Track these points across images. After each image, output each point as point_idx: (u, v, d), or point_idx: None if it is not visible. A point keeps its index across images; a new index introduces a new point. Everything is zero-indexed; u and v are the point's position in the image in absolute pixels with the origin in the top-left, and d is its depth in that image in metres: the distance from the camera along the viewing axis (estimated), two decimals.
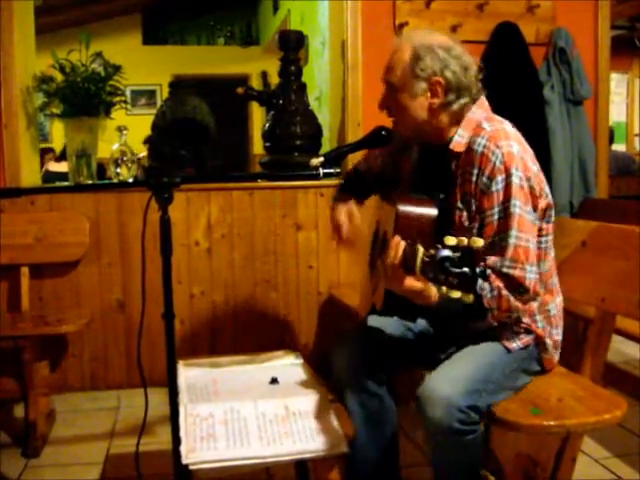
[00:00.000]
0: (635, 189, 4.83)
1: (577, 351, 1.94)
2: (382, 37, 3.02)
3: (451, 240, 1.20)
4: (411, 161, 1.80)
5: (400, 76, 1.60)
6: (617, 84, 8.72)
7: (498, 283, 1.45)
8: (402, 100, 1.62)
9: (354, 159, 2.12)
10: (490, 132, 1.56)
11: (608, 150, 3.63)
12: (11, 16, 2.81)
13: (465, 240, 1.18)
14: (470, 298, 1.17)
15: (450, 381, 1.49)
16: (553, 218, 1.64)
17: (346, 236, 1.88)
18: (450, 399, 1.44)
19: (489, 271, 1.43)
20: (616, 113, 8.62)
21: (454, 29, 3.18)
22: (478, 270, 1.17)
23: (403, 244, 1.39)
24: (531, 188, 1.54)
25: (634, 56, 8.81)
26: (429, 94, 1.59)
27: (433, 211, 1.61)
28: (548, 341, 1.65)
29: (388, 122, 1.71)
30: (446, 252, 1.19)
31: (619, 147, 8.14)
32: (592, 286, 1.90)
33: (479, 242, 1.17)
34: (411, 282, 1.39)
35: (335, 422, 1.64)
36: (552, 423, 1.48)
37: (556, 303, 1.69)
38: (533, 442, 1.87)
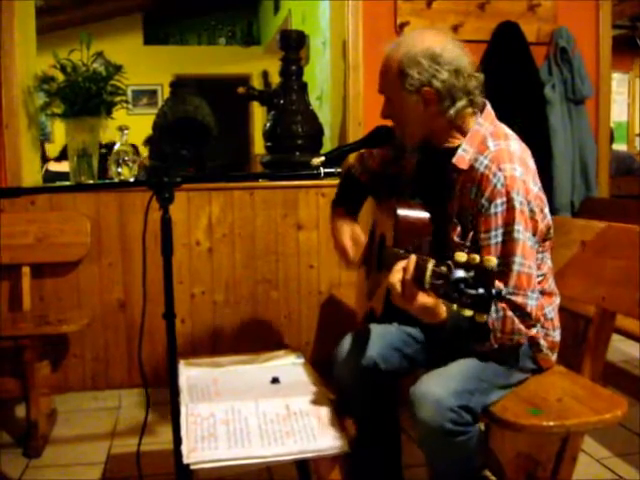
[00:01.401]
0: (636, 189, 4.81)
1: (577, 350, 1.94)
2: (383, 37, 3.00)
3: (462, 257, 1.16)
4: (412, 164, 1.79)
5: (392, 89, 1.60)
6: (618, 83, 8.70)
7: (503, 304, 1.44)
8: (399, 111, 1.62)
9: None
10: (494, 152, 1.54)
11: (609, 149, 3.63)
12: (12, 16, 2.80)
13: (477, 258, 1.14)
14: (483, 318, 1.15)
15: (441, 381, 1.49)
16: (552, 235, 1.63)
17: (353, 260, 1.83)
18: (440, 399, 1.44)
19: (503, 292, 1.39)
20: (617, 113, 8.60)
21: (455, 29, 3.18)
22: (494, 292, 1.14)
23: (414, 259, 1.34)
24: (531, 212, 1.51)
25: (635, 55, 8.78)
26: (422, 105, 1.57)
27: None
28: (543, 342, 1.64)
29: (389, 122, 1.71)
30: (460, 273, 1.15)
31: (620, 147, 8.12)
32: (592, 285, 1.90)
33: (492, 261, 1.13)
34: (424, 299, 1.35)
35: (336, 421, 1.64)
36: (552, 423, 1.47)
37: (553, 306, 1.68)
38: (533, 442, 1.86)
